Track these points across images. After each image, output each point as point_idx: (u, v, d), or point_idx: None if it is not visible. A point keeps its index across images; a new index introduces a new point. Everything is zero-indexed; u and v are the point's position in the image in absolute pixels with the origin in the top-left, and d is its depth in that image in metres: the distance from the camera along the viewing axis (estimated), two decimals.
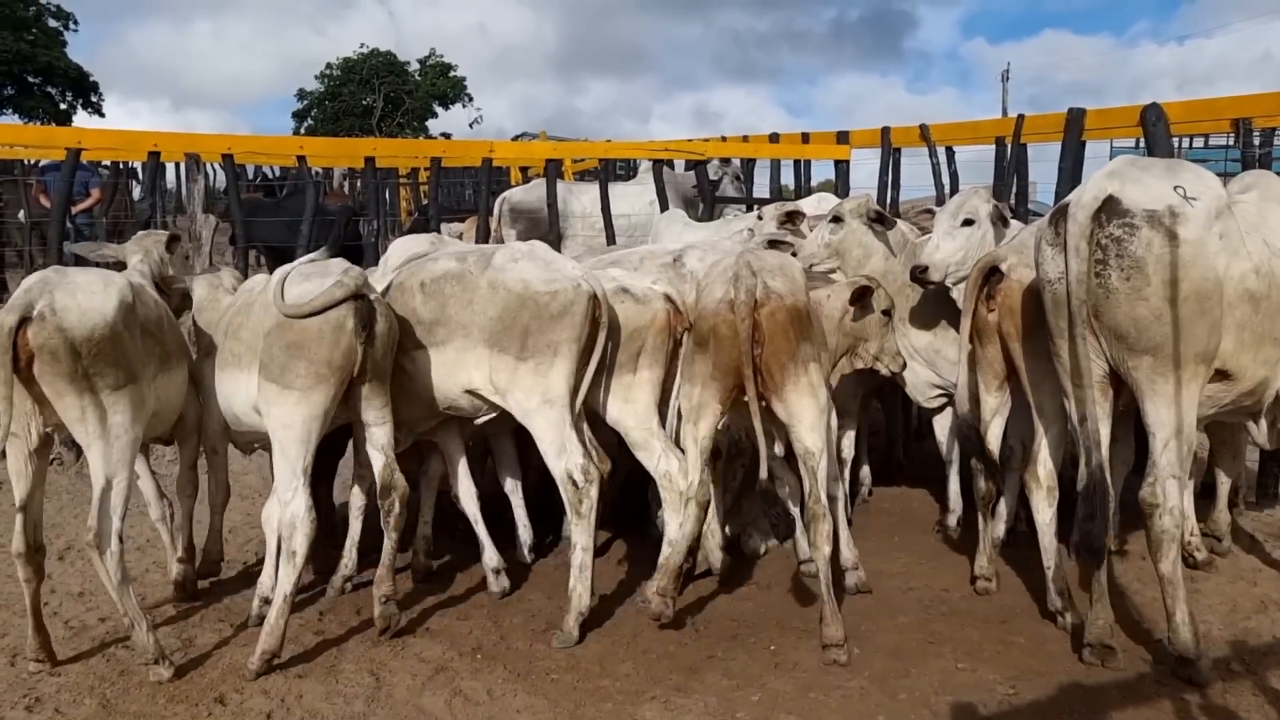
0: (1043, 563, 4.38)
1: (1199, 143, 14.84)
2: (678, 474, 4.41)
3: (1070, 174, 7.44)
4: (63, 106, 39.28)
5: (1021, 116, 8.44)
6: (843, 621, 4.10)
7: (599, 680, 3.93)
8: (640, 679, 3.94)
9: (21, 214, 10.88)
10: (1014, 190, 8.66)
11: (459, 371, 4.37)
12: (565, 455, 4.25)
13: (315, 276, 4.09)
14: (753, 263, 4.22)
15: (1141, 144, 7.24)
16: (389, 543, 4.37)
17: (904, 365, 4.81)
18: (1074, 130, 7.42)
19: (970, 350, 4.51)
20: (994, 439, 4.58)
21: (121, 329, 3.80)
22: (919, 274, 4.87)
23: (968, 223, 4.89)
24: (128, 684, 3.90)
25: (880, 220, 5.34)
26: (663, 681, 3.91)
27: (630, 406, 4.51)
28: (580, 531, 4.28)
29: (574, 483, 4.23)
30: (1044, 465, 4.33)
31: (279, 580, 4.08)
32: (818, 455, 4.15)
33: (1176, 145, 8.14)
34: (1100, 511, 3.70)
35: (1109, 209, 3.55)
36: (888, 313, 4.67)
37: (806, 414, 4.13)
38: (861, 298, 4.58)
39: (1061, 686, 3.82)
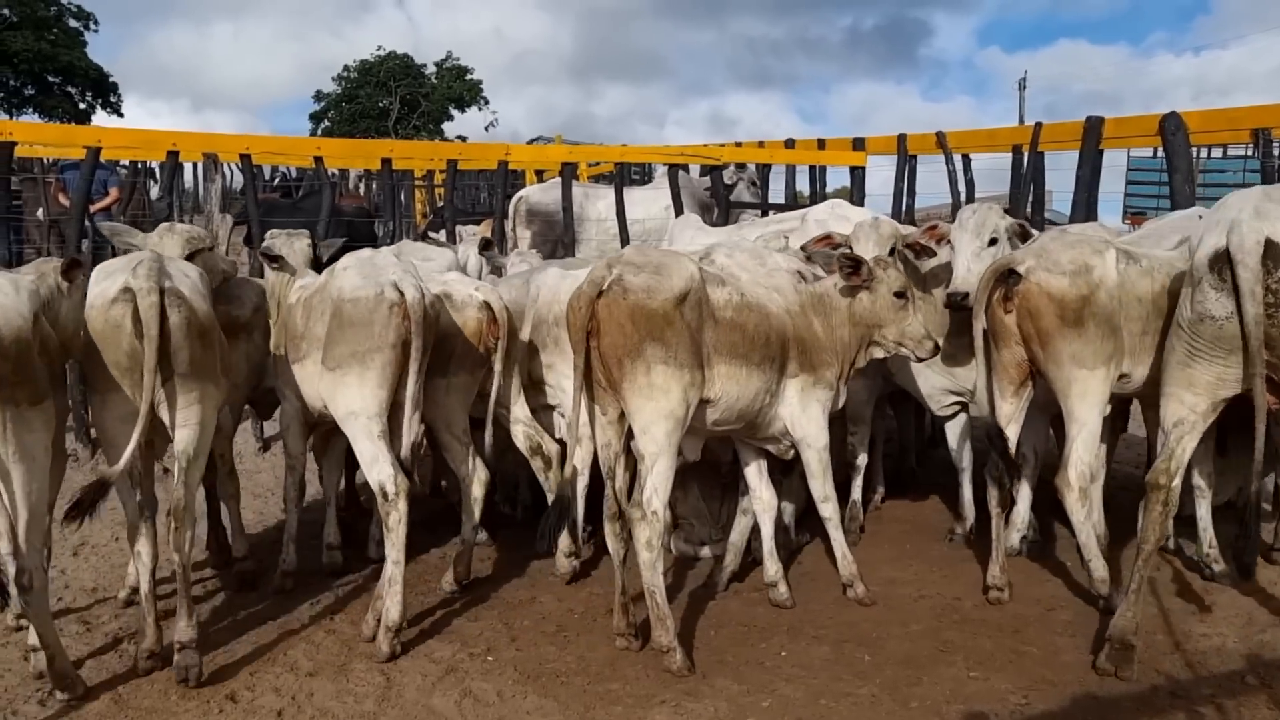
0: (1082, 557, 4.53)
1: (1217, 153, 14.78)
2: (475, 482, 4.74)
3: (1088, 182, 7.42)
4: (82, 106, 39.59)
5: (1039, 124, 8.41)
6: (854, 628, 4.07)
7: (609, 683, 3.93)
8: (650, 683, 3.93)
9: (40, 212, 10.96)
10: (1030, 198, 8.63)
11: (310, 383, 4.47)
12: (376, 466, 4.18)
13: (114, 274, 3.91)
14: (624, 256, 4.21)
15: (1159, 153, 7.20)
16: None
17: (936, 349, 4.65)
18: (1092, 139, 7.40)
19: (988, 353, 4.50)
20: (1010, 444, 4.57)
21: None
22: (959, 300, 4.73)
23: (993, 242, 4.85)
24: (140, 680, 3.92)
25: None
26: (673, 686, 3.90)
27: (439, 410, 4.64)
28: (391, 545, 4.17)
29: (384, 494, 4.17)
30: (1075, 468, 4.31)
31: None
32: (648, 460, 4.04)
33: (1195, 155, 8.11)
34: (1254, 531, 4.16)
35: (1272, 254, 3.57)
36: (902, 294, 4.58)
37: (640, 415, 4.03)
38: (851, 272, 4.51)
39: (1075, 697, 3.79)
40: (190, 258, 4.57)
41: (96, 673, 3.98)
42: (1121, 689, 3.83)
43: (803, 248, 5.32)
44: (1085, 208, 7.53)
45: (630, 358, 3.97)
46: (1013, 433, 4.56)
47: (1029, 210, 8.64)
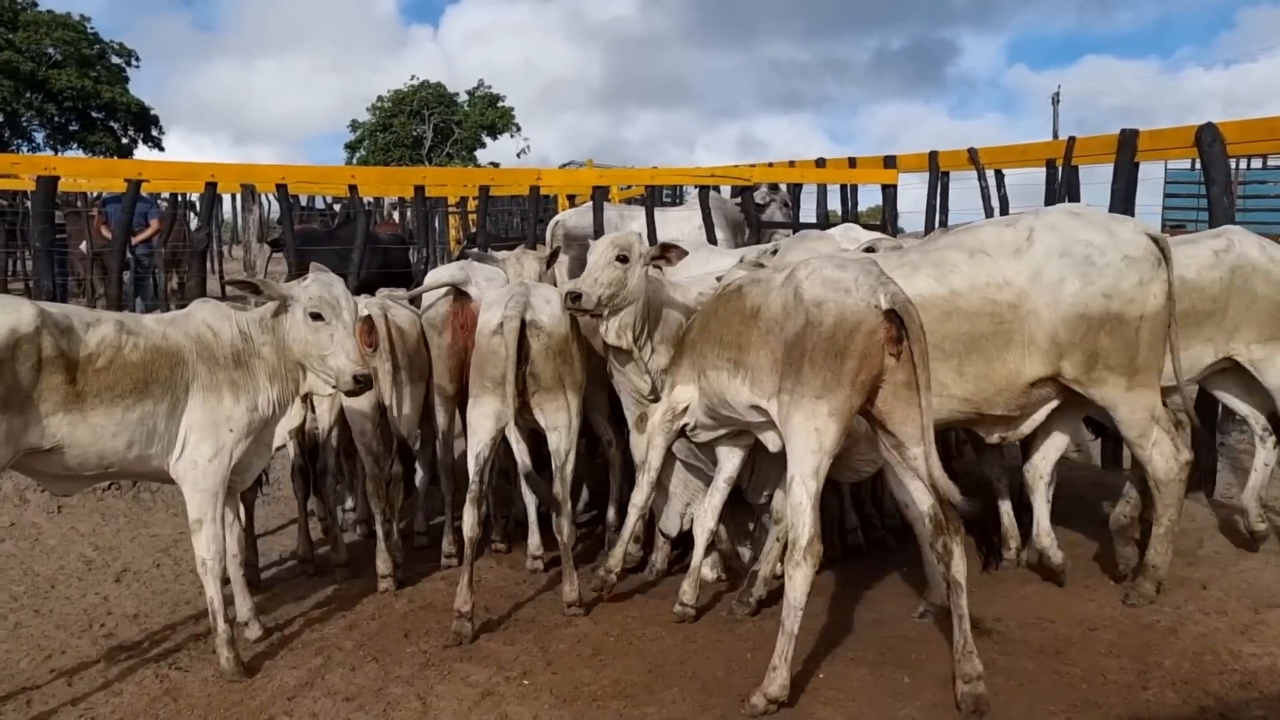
0: None
1: (1256, 163, 14.57)
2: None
3: (1123, 196, 7.33)
4: (124, 141, 40.43)
5: (1073, 139, 8.33)
6: (892, 649, 4.01)
7: (645, 707, 3.90)
8: (687, 706, 3.90)
9: (84, 245, 11.19)
10: None
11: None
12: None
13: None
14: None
15: (1197, 165, 7.10)
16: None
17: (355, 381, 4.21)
18: (1126, 152, 7.31)
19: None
20: None
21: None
22: (571, 302, 4.56)
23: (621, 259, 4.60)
24: (179, 705, 3.95)
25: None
26: (711, 709, 3.87)
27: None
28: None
29: None
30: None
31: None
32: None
33: (1234, 166, 7.99)
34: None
35: None
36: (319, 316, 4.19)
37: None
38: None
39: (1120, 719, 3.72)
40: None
41: (136, 699, 4.02)
42: (1169, 711, 3.75)
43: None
44: None
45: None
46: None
47: None
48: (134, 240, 10.54)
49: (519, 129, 46.56)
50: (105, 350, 3.89)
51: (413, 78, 45.99)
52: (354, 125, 46.94)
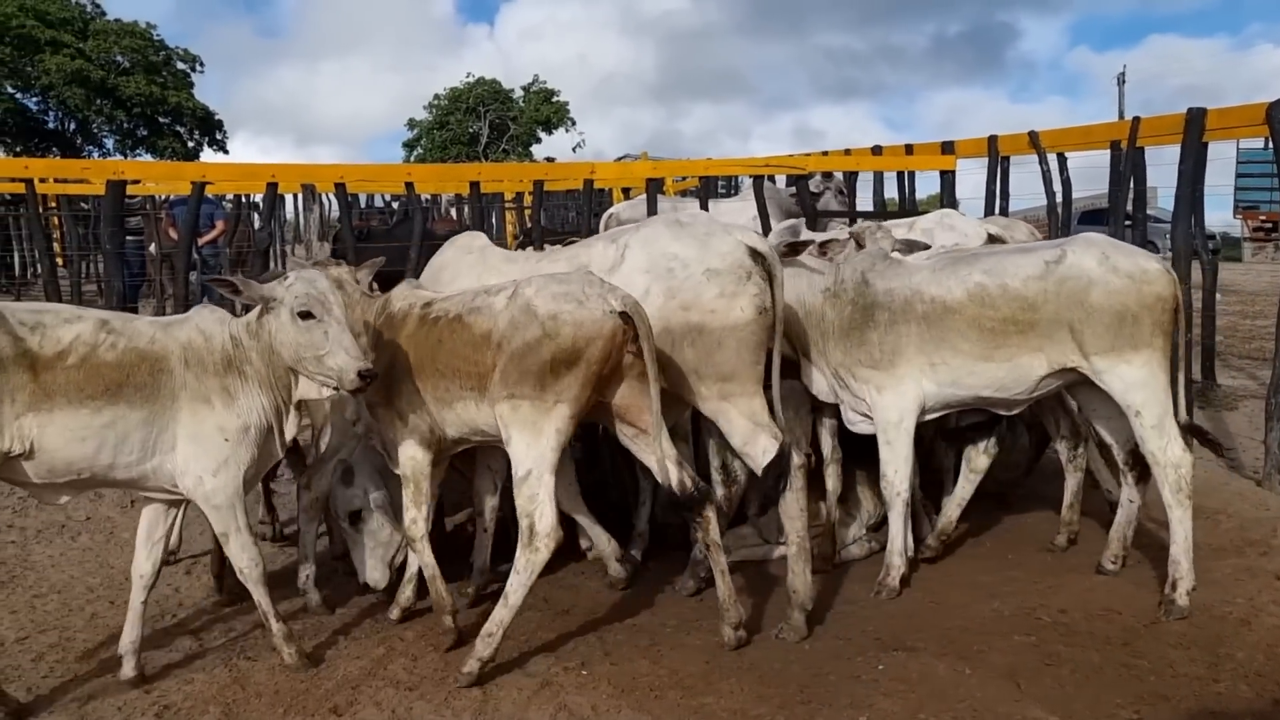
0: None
1: None
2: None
3: (1191, 177, 7.15)
4: (190, 145, 41.46)
5: (1138, 119, 8.13)
6: (953, 640, 3.97)
7: (703, 698, 3.90)
8: (745, 697, 3.89)
9: (153, 247, 11.48)
10: (1131, 196, 8.35)
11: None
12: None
13: None
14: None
15: (1270, 144, 6.88)
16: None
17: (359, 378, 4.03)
18: (1194, 131, 7.13)
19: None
20: None
21: None
22: None
23: None
24: (248, 693, 4.05)
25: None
26: (768, 700, 3.86)
27: None
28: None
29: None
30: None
31: None
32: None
33: None
34: None
35: None
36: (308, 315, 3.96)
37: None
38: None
39: (1191, 713, 3.63)
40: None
41: (206, 687, 4.12)
42: (1242, 705, 3.66)
43: None
44: (1190, 203, 7.25)
45: None
46: None
47: (1130, 208, 8.37)
48: (200, 241, 10.80)
49: (574, 123, 46.88)
50: (78, 348, 3.78)
51: (469, 75, 46.53)
52: (411, 124, 47.59)
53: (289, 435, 4.23)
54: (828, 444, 5.25)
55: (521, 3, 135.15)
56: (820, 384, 5.04)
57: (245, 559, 4.10)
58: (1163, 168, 8.32)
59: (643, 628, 4.59)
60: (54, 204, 15.52)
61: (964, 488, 5.30)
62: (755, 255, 4.43)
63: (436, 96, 46.70)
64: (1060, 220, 8.95)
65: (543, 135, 46.62)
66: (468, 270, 5.03)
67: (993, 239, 5.75)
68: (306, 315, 3.89)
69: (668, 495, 4.30)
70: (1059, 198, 9.00)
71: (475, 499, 5.12)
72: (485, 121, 44.91)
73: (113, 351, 3.84)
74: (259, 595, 4.15)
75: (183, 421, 3.95)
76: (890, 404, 4.78)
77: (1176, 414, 4.56)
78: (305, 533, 4.96)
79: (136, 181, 9.65)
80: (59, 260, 12.45)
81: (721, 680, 4.03)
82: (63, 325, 3.81)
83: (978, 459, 5.27)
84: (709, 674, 4.09)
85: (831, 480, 5.25)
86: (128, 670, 4.15)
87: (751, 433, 4.37)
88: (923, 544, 5.28)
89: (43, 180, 12.24)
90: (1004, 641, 4.26)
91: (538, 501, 3.97)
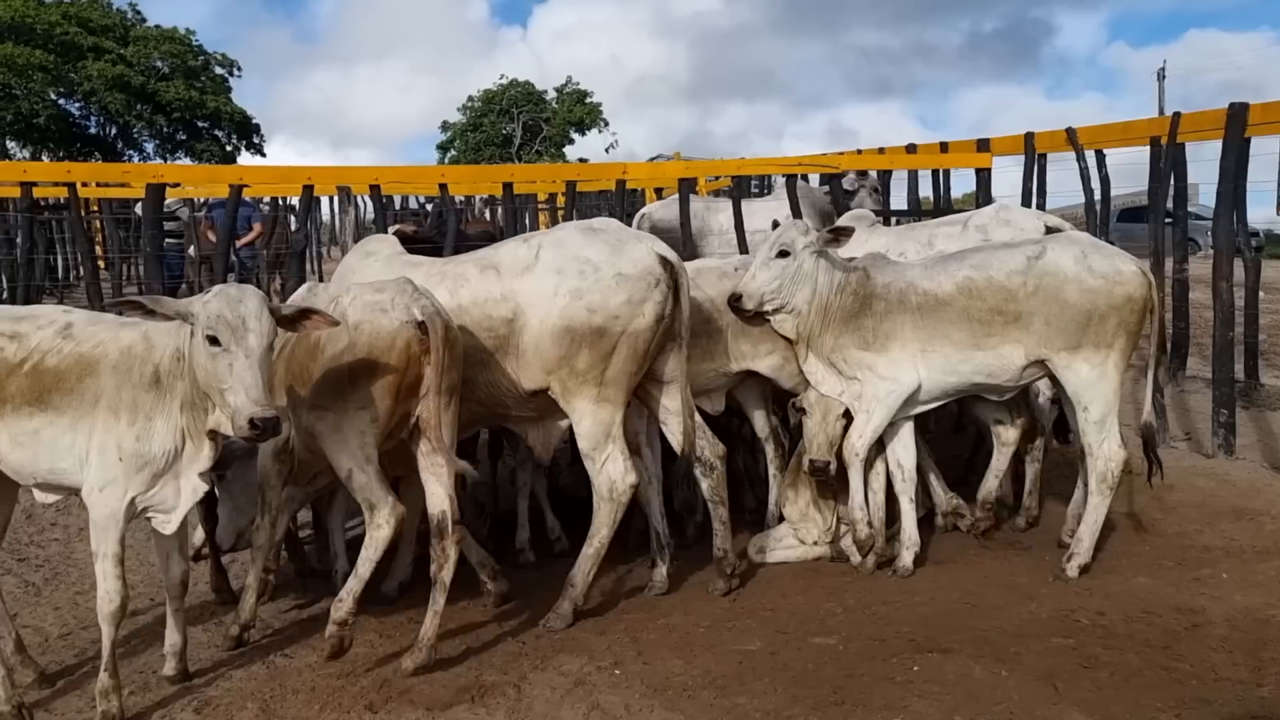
0: None
1: None
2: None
3: (1233, 173, 7.02)
4: (229, 148, 42.01)
5: (1178, 114, 7.99)
6: (990, 642, 3.94)
7: (736, 698, 3.90)
8: (778, 698, 3.88)
9: (192, 249, 11.64)
10: (1172, 193, 8.22)
11: None
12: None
13: None
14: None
15: None
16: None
17: (254, 425, 3.54)
18: (1236, 126, 6.99)
19: None
20: None
21: None
22: (733, 303, 5.10)
23: (783, 254, 5.09)
24: (285, 690, 4.09)
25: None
26: (802, 701, 3.84)
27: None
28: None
29: None
30: None
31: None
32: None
33: None
34: None
35: None
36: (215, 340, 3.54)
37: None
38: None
39: (1233, 718, 3.57)
40: None
41: (244, 684, 4.18)
42: None
43: None
44: (1232, 200, 7.12)
45: None
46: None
47: (1170, 205, 8.23)
48: (238, 244, 10.92)
49: (606, 124, 46.95)
50: (34, 355, 3.75)
51: (502, 77, 46.73)
52: (445, 126, 47.90)
53: (199, 467, 3.76)
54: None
55: (554, 5, 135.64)
56: (832, 384, 5.15)
57: (104, 588, 3.73)
58: (1203, 164, 8.17)
59: (676, 627, 4.59)
60: (95, 208, 15.80)
61: (999, 460, 5.60)
62: (665, 264, 4.60)
63: (470, 99, 47.00)
64: (1099, 218, 8.82)
65: (576, 136, 46.78)
66: (372, 275, 4.94)
67: (1050, 232, 5.71)
68: (213, 341, 3.46)
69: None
70: (1097, 195, 8.87)
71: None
72: (518, 123, 45.10)
73: (56, 357, 3.75)
74: (106, 632, 3.77)
75: (96, 430, 3.70)
76: (880, 379, 5.02)
77: (1145, 414, 5.06)
78: (334, 532, 5.23)
79: (176, 185, 9.78)
80: (100, 263, 12.64)
81: (755, 680, 4.02)
82: (35, 332, 3.81)
83: (1007, 433, 5.57)
84: (742, 674, 4.09)
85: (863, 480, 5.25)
86: (169, 669, 4.17)
87: (602, 442, 4.57)
88: (973, 518, 5.55)
89: (85, 184, 12.46)
90: (1041, 644, 4.21)
91: (369, 490, 4.14)
